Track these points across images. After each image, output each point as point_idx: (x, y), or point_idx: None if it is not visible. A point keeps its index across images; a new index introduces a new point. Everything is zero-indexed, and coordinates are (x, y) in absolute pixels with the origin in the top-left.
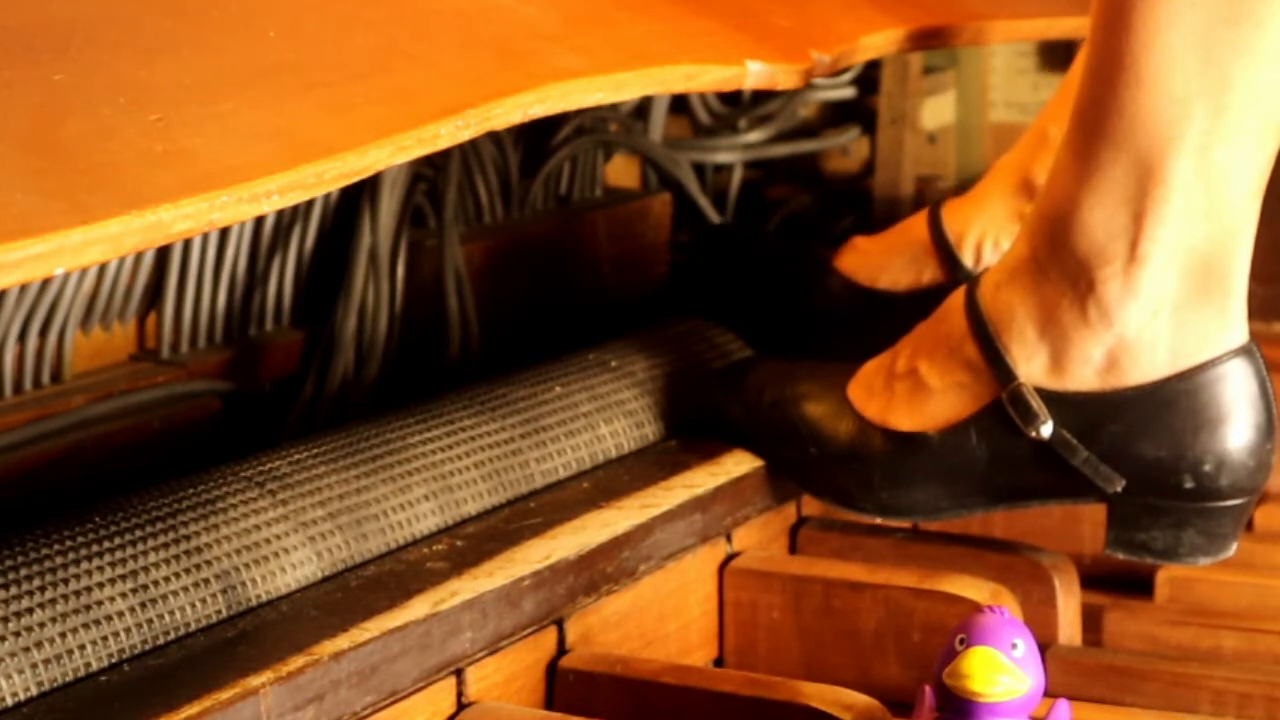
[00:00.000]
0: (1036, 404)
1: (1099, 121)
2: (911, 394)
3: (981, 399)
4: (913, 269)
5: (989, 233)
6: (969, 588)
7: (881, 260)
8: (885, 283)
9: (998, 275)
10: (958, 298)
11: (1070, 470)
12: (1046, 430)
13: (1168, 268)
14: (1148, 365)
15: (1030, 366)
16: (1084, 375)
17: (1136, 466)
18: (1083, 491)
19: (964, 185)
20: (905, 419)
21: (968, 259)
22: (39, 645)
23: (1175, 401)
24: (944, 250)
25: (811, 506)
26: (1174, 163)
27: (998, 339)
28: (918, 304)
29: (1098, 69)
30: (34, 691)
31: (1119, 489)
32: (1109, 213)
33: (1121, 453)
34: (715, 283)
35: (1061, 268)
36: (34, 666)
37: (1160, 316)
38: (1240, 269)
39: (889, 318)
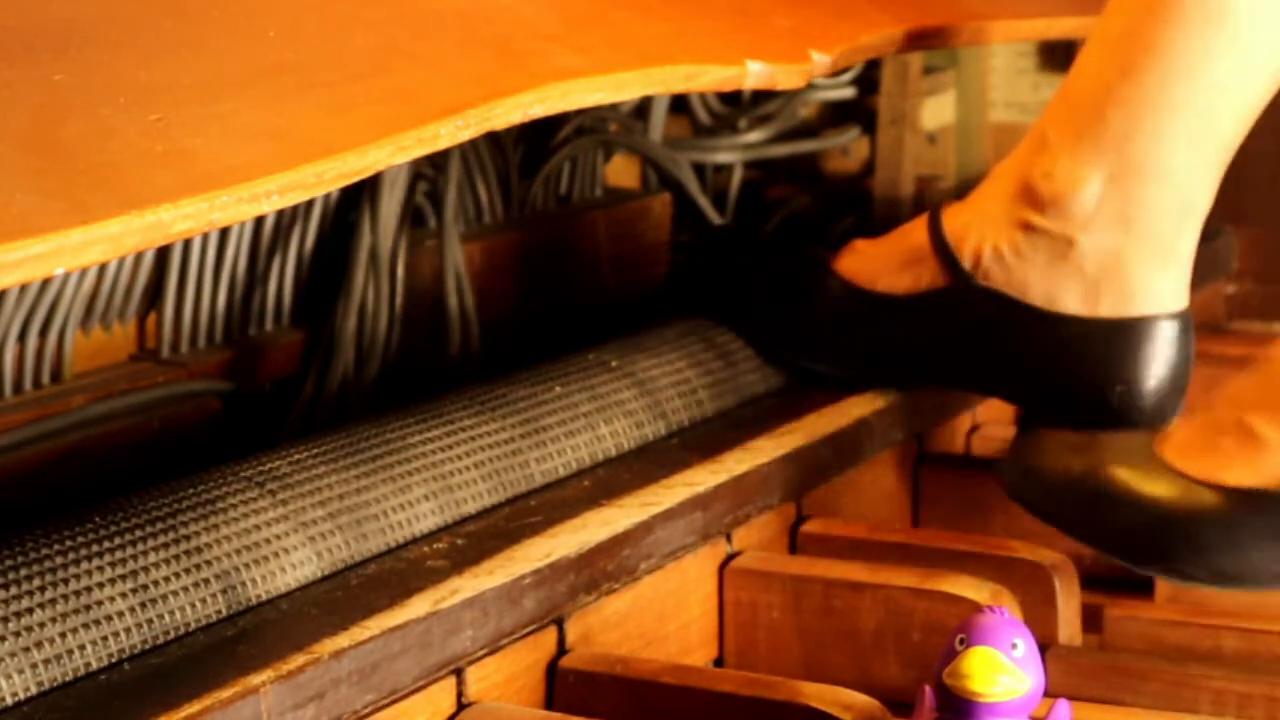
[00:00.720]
0: None
1: None
2: (1243, 448)
3: None
4: (912, 272)
5: (989, 237)
6: (969, 588)
7: (880, 263)
8: (884, 285)
9: None
10: None
11: None
12: None
13: None
14: None
15: None
16: None
17: None
18: None
19: (964, 185)
20: (1240, 474)
21: (967, 263)
22: (39, 645)
23: None
24: (944, 254)
25: (812, 506)
26: None
27: None
28: (917, 307)
29: None
30: (34, 691)
31: None
32: None
33: None
34: (715, 284)
35: None
36: (34, 666)
37: None
38: None
39: (888, 320)
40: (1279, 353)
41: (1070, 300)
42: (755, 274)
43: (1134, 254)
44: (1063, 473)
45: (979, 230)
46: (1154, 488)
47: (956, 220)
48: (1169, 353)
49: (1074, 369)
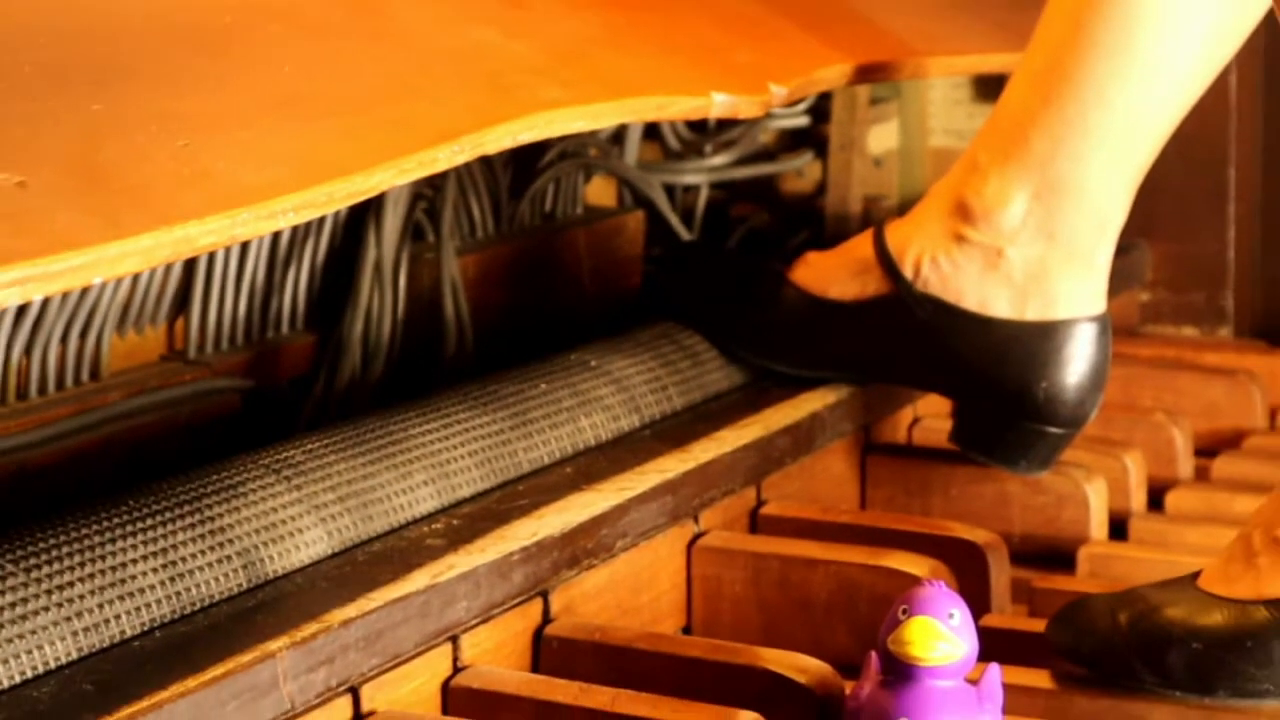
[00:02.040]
0: None
1: None
2: None
3: None
4: (859, 281)
5: (926, 250)
6: (911, 564)
7: (831, 273)
8: (834, 293)
9: None
10: None
11: None
12: None
13: None
14: None
15: None
16: None
17: None
18: None
19: (906, 204)
20: None
21: (908, 272)
22: (79, 615)
23: None
24: (887, 265)
25: (770, 491)
26: None
27: None
28: (863, 312)
29: None
30: (74, 656)
31: None
32: None
33: None
34: (683, 292)
35: None
36: (74, 634)
37: None
38: None
39: (838, 324)
40: None
41: (1000, 305)
42: (719, 283)
43: (1056, 263)
44: (1115, 628)
45: (918, 243)
46: (1209, 619)
47: (898, 234)
48: (1089, 352)
49: (1004, 367)
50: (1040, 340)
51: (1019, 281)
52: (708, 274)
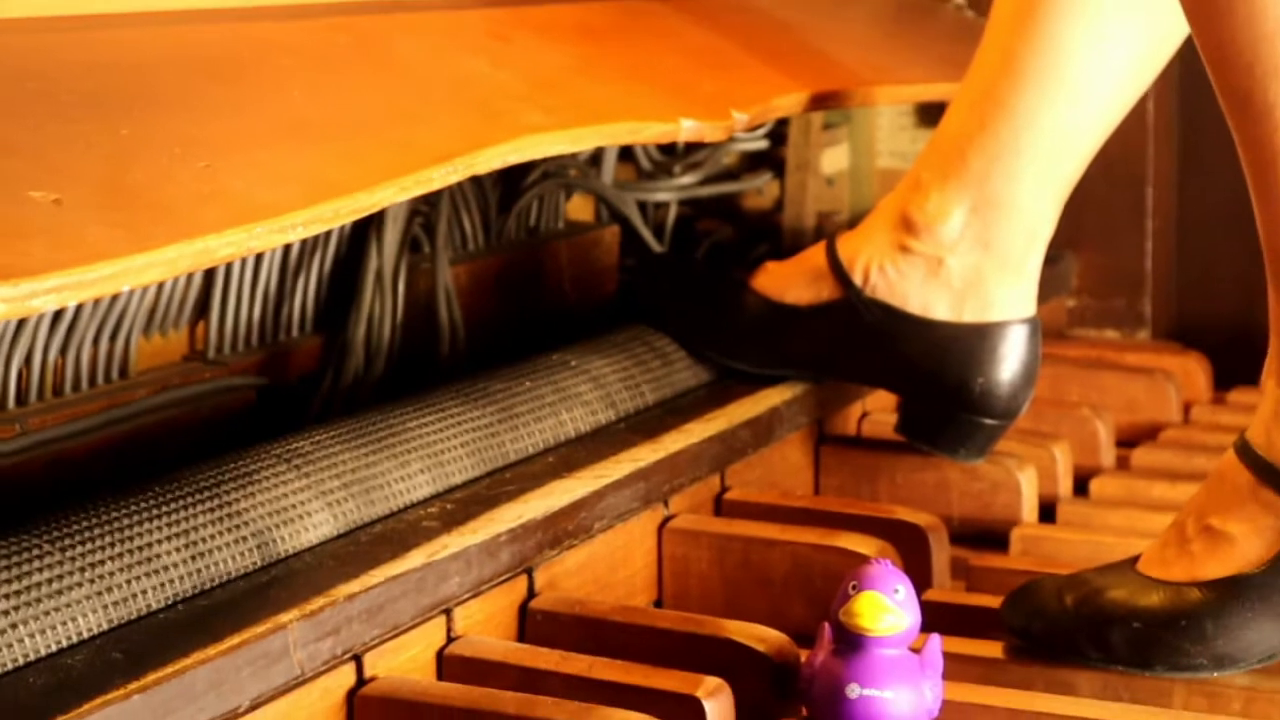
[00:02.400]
0: None
1: None
2: (1213, 548)
3: None
4: (813, 288)
5: (874, 259)
6: (860, 544)
7: (788, 281)
8: (791, 299)
9: (1263, 426)
10: (1229, 461)
11: None
12: None
13: None
14: None
15: None
16: None
17: None
18: None
19: (856, 219)
20: (1217, 568)
21: (858, 279)
22: (109, 590)
23: None
24: (838, 273)
25: (733, 478)
26: None
27: None
28: (817, 315)
29: (1270, 217)
30: (105, 627)
31: None
32: None
33: None
34: (656, 299)
35: None
36: (105, 608)
37: None
38: None
39: (794, 327)
40: (1223, 465)
41: (941, 309)
42: (688, 290)
43: (991, 271)
44: (1062, 609)
45: (867, 253)
46: (1147, 600)
47: (848, 245)
48: (1021, 351)
49: (944, 365)
50: (977, 340)
51: (957, 287)
52: (677, 282)
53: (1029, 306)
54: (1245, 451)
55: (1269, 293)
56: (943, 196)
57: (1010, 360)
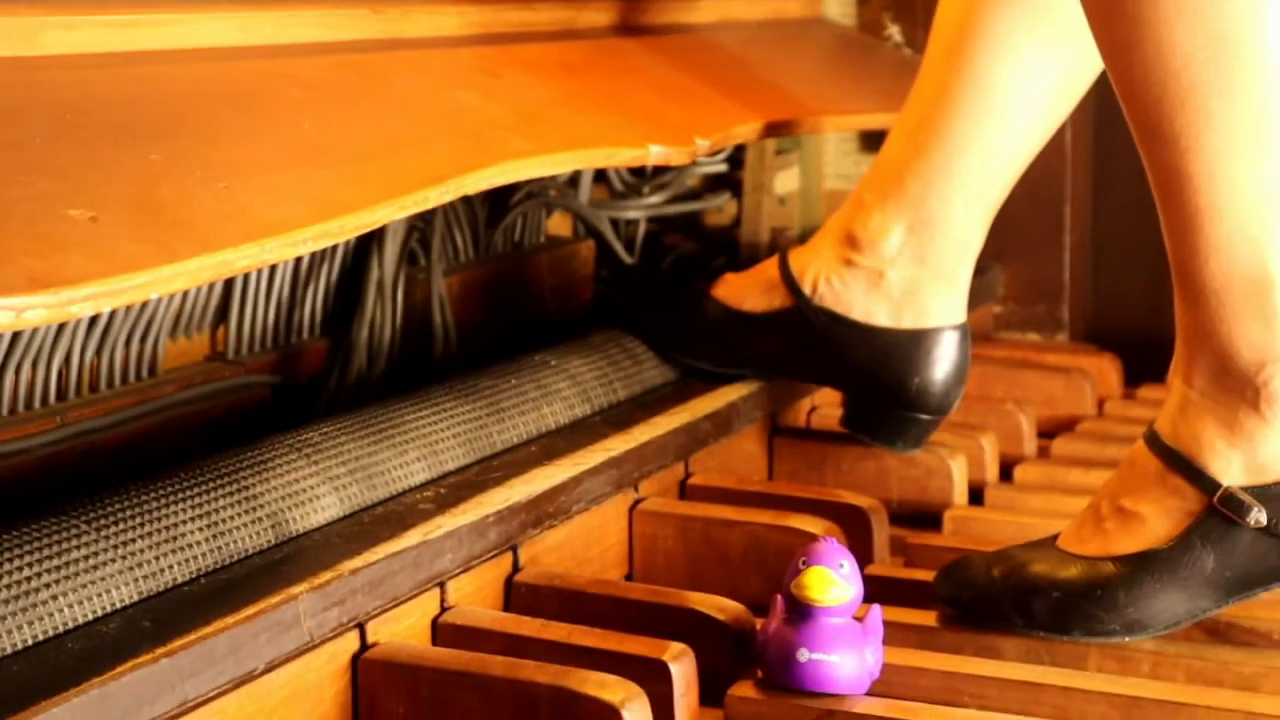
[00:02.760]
0: (1246, 498)
1: (1196, 272)
2: (1125, 526)
3: (1194, 511)
4: (767, 297)
5: (822, 271)
6: (809, 524)
7: (745, 290)
8: (748, 306)
9: (1169, 418)
10: (1139, 450)
11: None
12: (1262, 516)
13: None
14: None
15: (1230, 474)
16: (1279, 466)
17: None
18: None
19: (806, 235)
20: (1128, 544)
21: (807, 289)
22: (139, 565)
23: None
24: (790, 283)
25: (696, 465)
26: (1275, 262)
27: (1194, 461)
28: (770, 321)
29: (1177, 233)
30: (135, 599)
31: None
32: (1244, 331)
33: None
34: (627, 306)
35: (1224, 391)
36: (135, 581)
37: None
38: None
39: (750, 332)
40: (1134, 453)
41: (881, 316)
42: (656, 299)
43: (927, 283)
44: (990, 581)
45: (815, 266)
46: (1066, 572)
47: (799, 259)
48: (953, 354)
49: (884, 366)
50: (914, 345)
51: (896, 297)
52: (647, 291)
53: (960, 314)
54: (1154, 441)
55: (1176, 301)
56: (883, 215)
57: (943, 362)
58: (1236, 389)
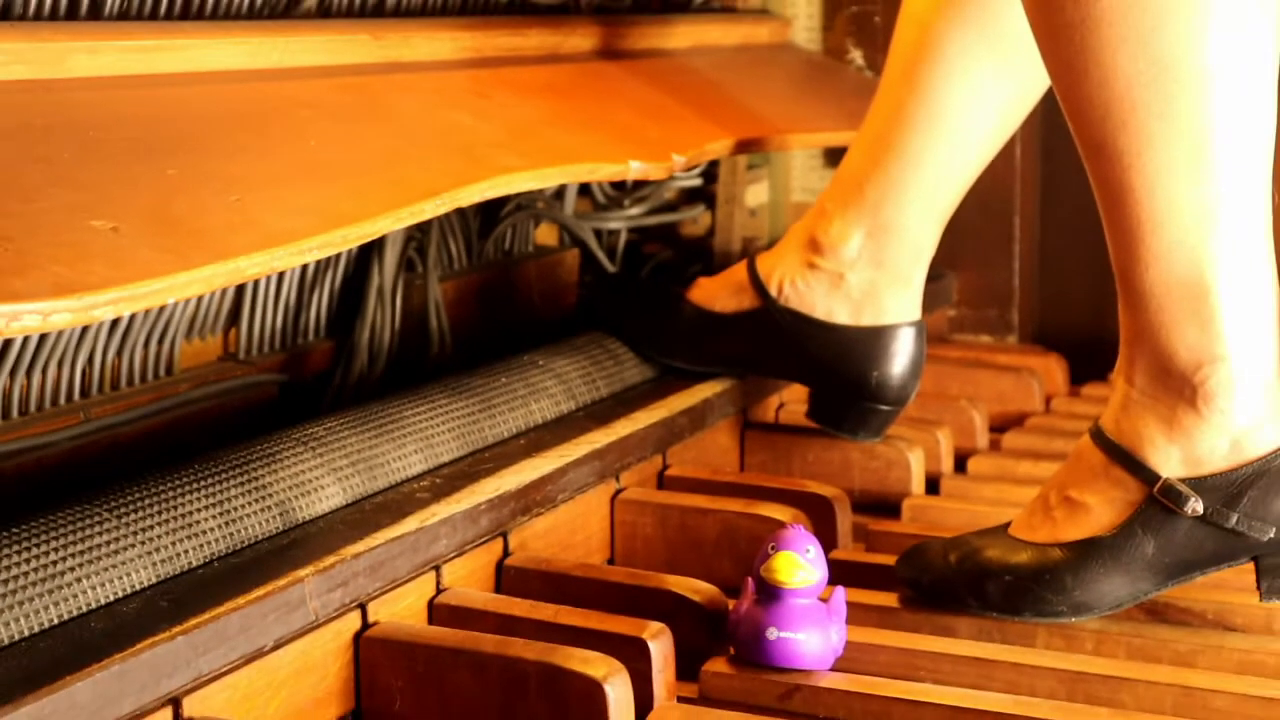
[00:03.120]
0: (1184, 489)
1: (1138, 279)
2: (1072, 514)
3: (1136, 501)
4: (737, 298)
5: (787, 274)
6: (778, 511)
7: (716, 293)
8: (719, 307)
9: (1112, 415)
10: (1085, 444)
11: (1226, 533)
12: (1199, 505)
13: (1250, 355)
14: (1265, 439)
15: (1168, 466)
16: (1214, 459)
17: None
18: (1239, 551)
19: (774, 244)
20: (1073, 532)
21: (773, 291)
22: (157, 550)
23: None
24: (757, 286)
25: (673, 458)
26: (1215, 271)
27: (1135, 454)
28: (740, 322)
29: (1119, 243)
30: (153, 581)
31: (1271, 536)
32: (1182, 334)
33: (1266, 508)
34: (608, 310)
35: (1164, 389)
36: (153, 565)
37: (1260, 399)
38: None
39: (722, 331)
40: (1080, 446)
41: (842, 315)
42: (635, 302)
43: (884, 285)
44: (947, 565)
45: (781, 270)
46: (1017, 557)
47: (765, 263)
48: (910, 348)
49: (845, 361)
50: (873, 341)
51: (856, 298)
52: (626, 296)
53: (915, 312)
54: (1099, 436)
55: (1119, 306)
56: (844, 222)
57: (901, 356)
58: (1175, 387)
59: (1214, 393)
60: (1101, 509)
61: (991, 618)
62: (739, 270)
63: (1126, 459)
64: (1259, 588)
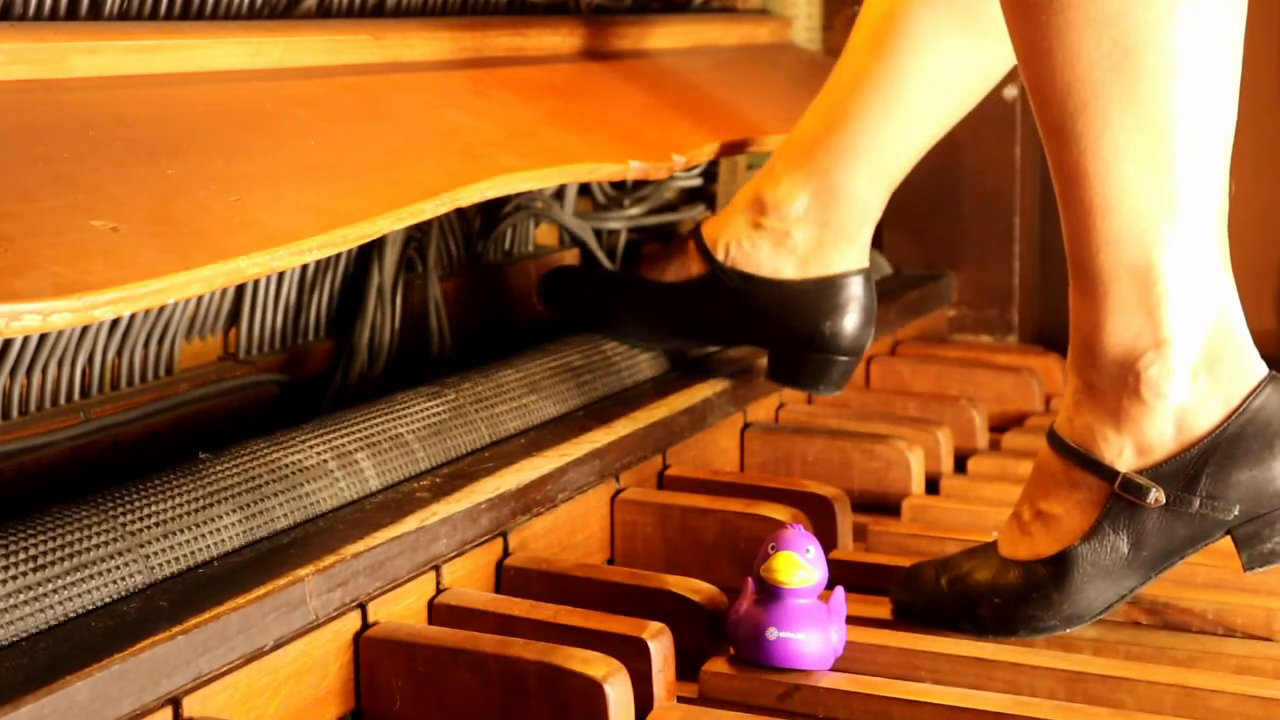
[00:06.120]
0: (1142, 480)
1: (1089, 264)
2: (1046, 528)
3: (1100, 501)
4: (685, 267)
5: (732, 238)
6: (778, 511)
7: (665, 265)
8: (669, 278)
9: (1065, 414)
10: (1044, 451)
11: (1192, 517)
12: (1160, 495)
13: (1190, 340)
14: (1207, 416)
15: (1123, 459)
16: (1164, 444)
17: (1244, 490)
18: (1212, 529)
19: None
20: (1051, 545)
21: (719, 255)
22: (155, 553)
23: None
24: (702, 250)
25: (673, 457)
26: (1164, 259)
27: (1090, 453)
28: (689, 289)
29: (1073, 228)
30: (152, 581)
31: (1235, 514)
32: (1128, 320)
33: (1224, 485)
34: (559, 305)
35: (1110, 380)
36: (150, 567)
37: (1198, 379)
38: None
39: (673, 302)
40: (1040, 455)
41: (788, 270)
42: (586, 290)
43: (830, 241)
44: (939, 590)
45: (726, 233)
46: (1006, 579)
47: (711, 228)
48: (860, 296)
49: (796, 315)
50: (821, 292)
51: (801, 254)
52: (578, 286)
53: (862, 261)
54: (1053, 439)
55: (1070, 294)
56: (791, 182)
57: (852, 304)
58: (1120, 376)
59: (1156, 379)
60: (1070, 516)
61: (988, 640)
62: (685, 239)
63: (1082, 459)
64: (1240, 558)
